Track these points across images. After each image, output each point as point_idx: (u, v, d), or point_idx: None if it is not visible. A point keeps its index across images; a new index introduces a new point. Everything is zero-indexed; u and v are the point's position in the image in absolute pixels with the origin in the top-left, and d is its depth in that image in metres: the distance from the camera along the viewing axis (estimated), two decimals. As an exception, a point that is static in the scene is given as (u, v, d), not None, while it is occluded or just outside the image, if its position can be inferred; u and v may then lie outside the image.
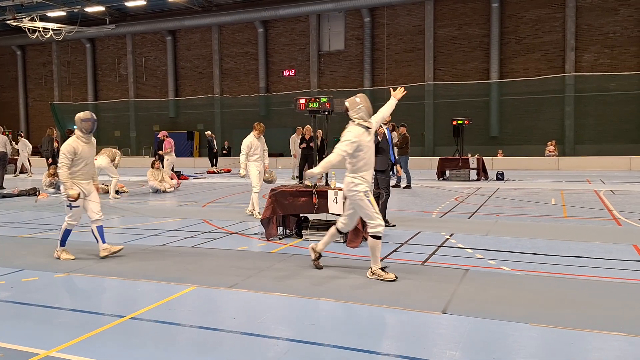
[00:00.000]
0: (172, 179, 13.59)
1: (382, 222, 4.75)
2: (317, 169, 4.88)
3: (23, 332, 3.55)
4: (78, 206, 5.55)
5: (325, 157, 9.20)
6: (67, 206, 5.55)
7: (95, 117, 5.70)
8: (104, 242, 5.63)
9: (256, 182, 8.62)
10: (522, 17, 23.58)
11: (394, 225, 7.45)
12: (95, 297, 4.48)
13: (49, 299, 4.35)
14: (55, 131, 16.26)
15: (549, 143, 21.16)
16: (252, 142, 8.69)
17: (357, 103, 4.79)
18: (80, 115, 5.64)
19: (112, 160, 11.58)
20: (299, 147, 14.13)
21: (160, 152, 14.26)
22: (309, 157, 13.91)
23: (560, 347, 3.25)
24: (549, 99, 23.29)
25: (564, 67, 22.96)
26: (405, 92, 5.35)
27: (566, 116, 23.02)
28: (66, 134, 14.67)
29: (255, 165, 8.65)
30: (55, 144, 15.12)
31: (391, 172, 8.21)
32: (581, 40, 22.73)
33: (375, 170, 6.43)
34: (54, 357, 3.14)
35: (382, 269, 4.72)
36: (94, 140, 5.76)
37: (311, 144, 13.94)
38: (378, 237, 4.66)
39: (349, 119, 4.87)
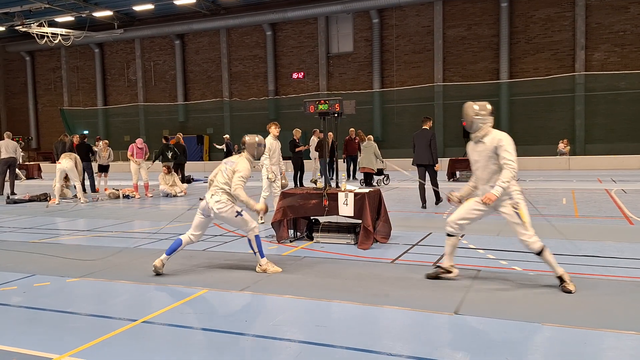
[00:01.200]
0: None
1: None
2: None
3: (35, 337, 3.58)
4: (243, 210, 5.20)
5: (336, 159, 9.19)
6: (237, 216, 5.13)
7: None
8: (262, 255, 5.17)
9: (267, 186, 8.31)
10: (532, 17, 23.43)
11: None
12: (107, 302, 4.51)
13: (61, 304, 4.38)
14: (69, 136, 16.36)
15: (560, 141, 21.01)
16: (272, 144, 8.35)
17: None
18: (257, 140, 5.35)
19: (76, 165, 11.70)
20: (296, 151, 13.60)
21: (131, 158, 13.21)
22: (298, 162, 13.68)
23: (573, 347, 3.22)
24: (559, 99, 23.10)
25: (574, 66, 22.77)
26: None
27: (576, 115, 22.81)
28: (80, 139, 14.76)
29: (272, 170, 8.29)
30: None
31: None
32: (591, 39, 22.52)
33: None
34: (68, 360, 3.16)
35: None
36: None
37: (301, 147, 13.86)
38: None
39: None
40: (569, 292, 4.20)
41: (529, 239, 4.33)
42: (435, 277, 4.68)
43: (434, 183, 9.54)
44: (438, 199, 9.92)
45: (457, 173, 15.38)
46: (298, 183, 13.46)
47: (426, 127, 9.66)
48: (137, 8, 27.11)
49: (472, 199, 4.64)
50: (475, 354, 3.13)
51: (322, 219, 6.80)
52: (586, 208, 9.14)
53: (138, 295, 4.67)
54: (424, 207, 9.61)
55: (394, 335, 3.57)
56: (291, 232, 6.78)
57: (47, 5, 24.78)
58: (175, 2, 26.16)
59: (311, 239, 6.67)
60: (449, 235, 4.69)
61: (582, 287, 4.41)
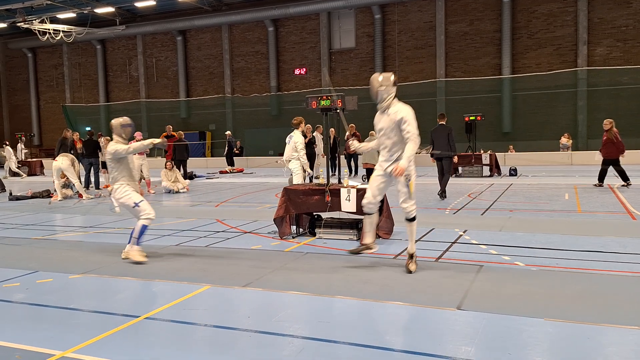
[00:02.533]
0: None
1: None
2: None
3: (39, 334, 3.59)
4: (142, 200, 5.53)
5: (338, 155, 9.31)
6: (134, 206, 5.49)
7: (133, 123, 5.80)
8: (137, 243, 5.48)
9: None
10: (534, 12, 23.31)
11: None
12: (109, 298, 4.52)
13: (64, 300, 4.40)
14: (70, 132, 16.37)
15: (562, 136, 20.96)
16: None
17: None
18: (120, 120, 5.65)
19: (73, 165, 11.77)
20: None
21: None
22: (312, 157, 13.81)
23: (575, 342, 3.22)
24: (562, 94, 23.02)
25: (577, 61, 22.67)
26: None
27: (579, 111, 22.73)
28: (88, 135, 14.78)
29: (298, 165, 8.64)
30: (79, 145, 15.07)
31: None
32: (593, 34, 22.41)
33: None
34: (70, 357, 3.17)
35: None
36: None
37: (315, 144, 13.89)
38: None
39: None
40: (410, 272, 4.73)
41: (410, 207, 4.85)
42: (358, 252, 5.13)
43: (446, 175, 10.25)
44: (443, 194, 10.19)
45: (460, 169, 15.35)
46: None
47: (443, 122, 10.30)
48: (139, 4, 27.04)
49: (373, 176, 5.03)
50: (478, 349, 3.13)
51: (325, 215, 6.80)
52: (588, 203, 9.12)
53: (141, 291, 4.68)
54: (443, 197, 10.15)
55: (397, 331, 3.57)
56: (294, 228, 6.79)
57: (49, 2, 24.75)
58: (176, -2, 26.10)
59: (314, 235, 6.68)
60: (367, 214, 5.05)
61: (585, 282, 4.41)
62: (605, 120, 12.08)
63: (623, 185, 11.33)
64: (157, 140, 5.80)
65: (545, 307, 3.80)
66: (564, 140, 20.74)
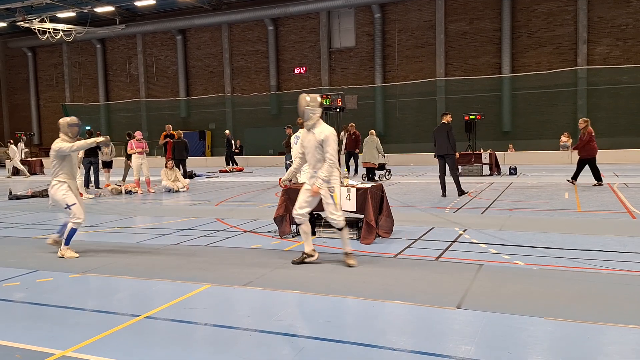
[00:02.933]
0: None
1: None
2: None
3: (39, 333, 3.59)
4: (75, 203, 5.79)
5: (339, 154, 9.45)
6: (66, 207, 5.77)
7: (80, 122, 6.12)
8: (67, 243, 5.79)
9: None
10: (534, 11, 23.31)
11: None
12: (110, 297, 4.52)
13: (64, 300, 4.39)
14: None
15: (562, 135, 20.96)
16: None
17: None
18: (67, 120, 5.96)
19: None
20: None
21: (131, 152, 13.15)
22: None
23: (575, 341, 3.22)
24: (562, 93, 23.03)
25: (576, 60, 22.68)
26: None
27: (579, 110, 22.73)
28: (87, 135, 14.76)
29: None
30: None
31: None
32: (593, 33, 22.41)
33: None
34: (70, 357, 3.17)
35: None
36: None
37: None
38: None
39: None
40: (350, 266, 5.03)
41: (337, 218, 5.13)
42: (300, 262, 5.19)
43: (453, 172, 10.34)
44: (461, 192, 10.32)
45: (460, 168, 15.33)
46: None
47: (445, 121, 10.25)
48: (139, 3, 27.04)
49: (302, 189, 5.31)
50: (478, 348, 3.13)
51: (325, 214, 6.79)
52: (588, 202, 9.12)
53: (141, 290, 4.68)
54: (444, 195, 10.30)
55: (397, 330, 3.57)
56: (293, 227, 6.78)
57: (49, 1, 24.74)
58: (176, -3, 26.08)
59: (313, 234, 6.66)
60: (298, 224, 5.32)
61: (585, 281, 4.41)
62: (580, 120, 12.19)
63: (595, 185, 11.47)
64: (100, 139, 6.02)
65: (545, 306, 3.80)
66: (564, 139, 20.74)
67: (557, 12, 22.93)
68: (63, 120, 6.00)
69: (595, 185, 11.40)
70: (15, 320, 3.90)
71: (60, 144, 5.81)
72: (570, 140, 20.89)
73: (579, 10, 22.31)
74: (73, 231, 5.78)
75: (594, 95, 22.55)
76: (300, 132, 8.87)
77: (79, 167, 12.24)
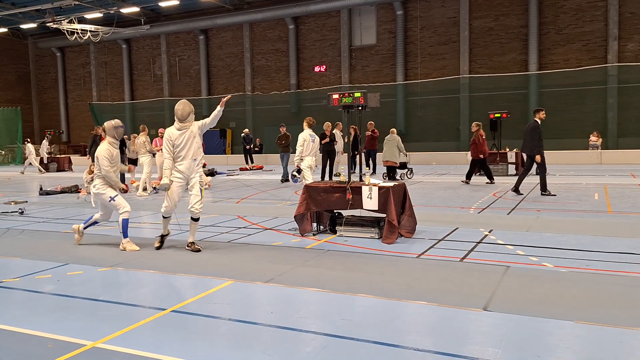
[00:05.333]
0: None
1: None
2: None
3: (70, 324, 3.68)
4: (117, 195, 6.04)
5: (358, 152, 9.53)
6: (110, 200, 5.96)
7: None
8: (125, 235, 5.97)
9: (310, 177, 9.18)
10: (562, 7, 22.73)
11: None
12: (137, 290, 4.60)
13: (94, 292, 4.49)
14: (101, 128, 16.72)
15: (592, 134, 20.41)
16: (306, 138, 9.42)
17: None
18: (112, 123, 6.10)
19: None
20: (321, 143, 13.77)
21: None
22: (332, 154, 13.81)
23: (607, 346, 3.12)
24: (591, 91, 22.39)
25: (607, 57, 22.02)
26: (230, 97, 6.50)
27: (609, 108, 22.09)
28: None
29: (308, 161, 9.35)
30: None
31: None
32: (624, 29, 21.73)
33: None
34: (101, 347, 3.24)
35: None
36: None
37: (335, 141, 13.86)
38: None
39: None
40: (197, 250, 5.71)
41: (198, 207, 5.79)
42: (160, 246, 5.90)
43: (523, 170, 10.31)
44: (544, 189, 10.12)
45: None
46: (327, 176, 13.64)
47: (536, 118, 10.17)
48: (163, 4, 27.44)
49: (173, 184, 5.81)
50: (505, 351, 3.07)
51: (346, 213, 6.77)
52: (619, 204, 8.85)
53: (167, 285, 4.75)
54: (515, 191, 10.16)
55: (421, 331, 3.53)
56: (314, 225, 6.78)
57: (77, 2, 25.32)
58: (199, -4, 26.36)
59: (334, 232, 6.66)
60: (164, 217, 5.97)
61: (617, 285, 4.28)
62: (473, 124, 12.79)
63: (487, 183, 12.25)
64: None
65: (575, 309, 3.70)
66: (594, 138, 20.18)
67: (587, 8, 22.31)
68: (108, 124, 6.14)
69: (487, 184, 12.25)
70: (47, 311, 4.00)
71: (104, 149, 5.99)
72: (600, 139, 20.32)
73: (610, 5, 21.65)
74: (125, 222, 5.95)
75: (624, 93, 21.86)
76: (306, 131, 9.19)
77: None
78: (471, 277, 4.58)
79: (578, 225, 7.02)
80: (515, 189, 10.13)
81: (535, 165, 10.13)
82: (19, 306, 4.18)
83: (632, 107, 21.75)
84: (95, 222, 6.30)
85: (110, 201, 5.98)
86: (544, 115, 10.16)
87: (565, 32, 22.77)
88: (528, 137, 9.96)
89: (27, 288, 4.61)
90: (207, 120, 6.04)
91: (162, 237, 6.08)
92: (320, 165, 13.69)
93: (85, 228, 6.30)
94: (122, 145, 14.50)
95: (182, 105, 5.85)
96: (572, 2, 22.51)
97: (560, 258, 5.19)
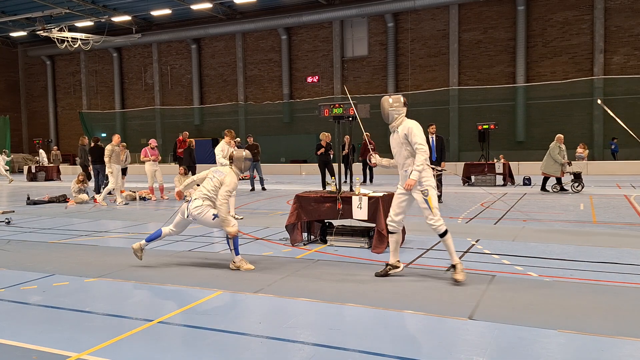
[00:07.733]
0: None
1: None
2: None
3: (55, 335, 3.65)
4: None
5: (350, 162, 9.48)
6: (214, 218, 5.43)
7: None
8: (238, 253, 5.46)
9: None
10: (549, 20, 23.19)
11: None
12: (124, 302, 4.58)
13: (80, 303, 4.46)
14: (85, 139, 16.75)
15: (578, 146, 20.69)
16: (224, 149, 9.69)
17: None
18: (242, 154, 5.65)
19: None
20: (316, 154, 13.93)
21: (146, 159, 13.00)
22: (328, 164, 13.89)
23: (589, 354, 3.17)
24: (577, 103, 22.79)
25: (593, 69, 22.46)
26: None
27: (595, 120, 22.48)
28: (93, 142, 14.79)
29: None
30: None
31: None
32: (610, 42, 22.20)
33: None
34: (86, 359, 3.22)
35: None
36: None
37: (330, 151, 13.94)
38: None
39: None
40: (457, 280, 4.67)
41: (436, 222, 4.80)
42: (384, 274, 4.99)
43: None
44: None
45: (472, 177, 15.24)
46: (325, 186, 13.70)
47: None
48: (155, 13, 27.54)
49: (395, 194, 5.07)
50: (490, 359, 3.11)
51: (336, 223, 6.81)
52: (604, 214, 8.99)
53: (154, 295, 4.73)
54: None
55: (408, 340, 3.56)
56: (305, 235, 6.80)
57: (68, 11, 25.32)
58: (192, 7, 26.50)
59: (325, 242, 6.69)
60: (391, 233, 5.05)
61: (600, 294, 4.35)
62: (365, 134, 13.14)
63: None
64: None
65: (559, 318, 3.76)
66: (580, 150, 20.47)
67: (573, 22, 22.78)
68: (238, 154, 5.64)
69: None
70: (32, 322, 3.97)
71: (232, 182, 5.43)
72: (587, 151, 20.61)
73: (596, 19, 22.13)
74: (236, 239, 5.43)
75: (610, 105, 22.13)
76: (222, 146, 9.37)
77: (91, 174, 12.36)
78: (458, 286, 4.62)
79: (563, 235, 7.12)
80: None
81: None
82: (3, 317, 4.14)
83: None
84: (158, 237, 5.71)
85: (214, 219, 5.43)
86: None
87: (552, 45, 23.21)
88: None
89: (12, 299, 4.57)
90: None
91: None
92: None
93: (147, 243, 5.71)
94: (102, 155, 14.27)
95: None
96: (559, 15, 22.98)
97: (545, 267, 5.26)
